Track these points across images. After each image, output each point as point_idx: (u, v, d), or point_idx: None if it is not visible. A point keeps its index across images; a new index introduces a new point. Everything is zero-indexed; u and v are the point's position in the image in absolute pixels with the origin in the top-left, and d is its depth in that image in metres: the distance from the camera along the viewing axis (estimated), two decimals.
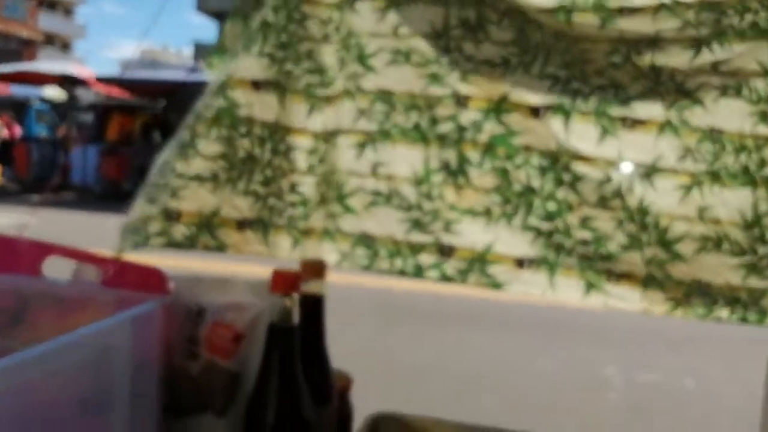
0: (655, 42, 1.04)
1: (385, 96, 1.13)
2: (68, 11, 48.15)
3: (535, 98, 1.09)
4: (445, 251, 1.12)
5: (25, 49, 31.60)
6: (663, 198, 1.06)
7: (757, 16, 1.01)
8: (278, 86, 1.12)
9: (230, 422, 0.85)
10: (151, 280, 0.87)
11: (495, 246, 1.11)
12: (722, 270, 1.08)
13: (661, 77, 1.05)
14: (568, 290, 1.11)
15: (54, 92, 14.02)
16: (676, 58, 1.04)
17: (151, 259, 0.93)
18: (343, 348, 1.06)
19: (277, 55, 1.11)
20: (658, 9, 1.01)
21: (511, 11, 1.09)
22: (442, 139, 1.12)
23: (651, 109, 1.07)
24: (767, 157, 1.04)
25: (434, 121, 1.12)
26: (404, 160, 1.13)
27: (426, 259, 1.12)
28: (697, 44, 1.03)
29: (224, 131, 1.10)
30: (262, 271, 0.85)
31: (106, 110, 13.13)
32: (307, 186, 1.14)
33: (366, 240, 1.13)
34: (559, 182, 1.09)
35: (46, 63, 17.75)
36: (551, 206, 1.10)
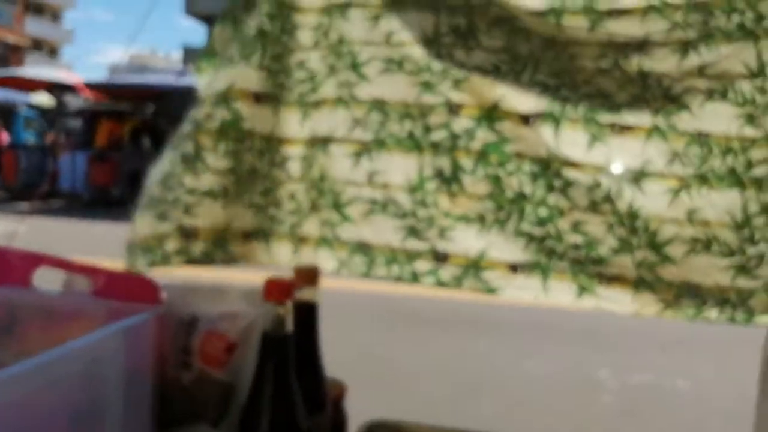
0: (643, 45, 1.04)
1: (379, 105, 1.14)
2: (56, 16, 47.94)
3: (525, 106, 1.10)
4: (440, 257, 1.13)
5: (11, 54, 31.45)
6: (652, 202, 1.07)
7: (744, 17, 1.01)
8: (273, 98, 1.14)
9: None
10: (143, 290, 0.87)
11: (489, 252, 1.12)
12: (712, 271, 1.08)
13: (648, 83, 1.06)
14: (560, 294, 1.12)
15: (42, 98, 13.95)
16: (664, 62, 1.05)
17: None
18: (338, 354, 1.06)
19: (273, 67, 1.13)
20: (646, 11, 1.02)
21: (500, 19, 1.09)
22: (435, 147, 1.13)
23: (639, 116, 1.08)
24: (754, 158, 1.05)
25: (428, 129, 1.13)
26: (399, 168, 1.14)
27: (422, 265, 1.13)
28: (685, 47, 1.04)
29: (231, 145, 1.11)
30: (255, 278, 0.85)
31: (94, 116, 13.06)
32: (299, 193, 1.15)
33: (363, 248, 1.15)
34: (550, 188, 1.10)
35: (34, 68, 17.68)
36: (543, 212, 1.11)
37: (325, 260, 1.15)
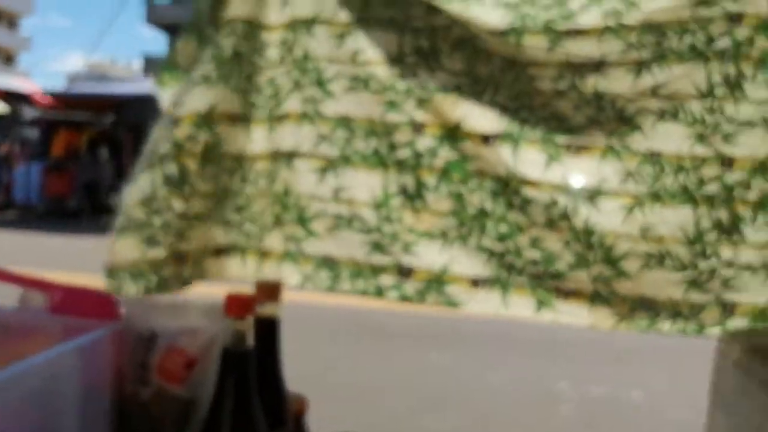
0: (599, 65, 1.07)
1: (345, 122, 1.16)
2: (12, 23, 47.01)
3: (485, 126, 1.13)
4: (405, 272, 1.15)
5: None
6: (607, 219, 1.10)
7: (695, 38, 1.05)
8: (245, 119, 1.15)
9: None
10: (101, 305, 0.86)
11: (451, 267, 1.15)
12: (665, 285, 1.12)
13: (602, 104, 1.10)
14: (520, 308, 1.15)
15: None
16: (619, 83, 1.08)
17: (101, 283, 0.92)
18: (301, 369, 1.06)
19: (246, 88, 1.14)
20: (603, 31, 1.05)
21: (462, 41, 1.12)
22: (400, 165, 1.15)
23: (593, 137, 1.11)
24: (705, 176, 1.08)
25: (393, 147, 1.15)
26: (364, 184, 1.16)
27: (386, 280, 1.16)
28: (639, 67, 1.07)
29: (214, 168, 1.12)
30: (215, 293, 0.85)
31: (51, 125, 12.81)
32: (259, 206, 1.16)
33: (328, 262, 1.17)
34: (510, 205, 1.13)
35: None
36: (503, 228, 1.14)
37: (290, 275, 1.16)
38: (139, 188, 1.11)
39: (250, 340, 0.79)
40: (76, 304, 0.86)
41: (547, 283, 1.15)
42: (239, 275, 1.16)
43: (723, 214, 1.09)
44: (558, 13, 1.07)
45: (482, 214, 1.14)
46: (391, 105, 1.14)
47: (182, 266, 1.11)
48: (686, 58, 1.06)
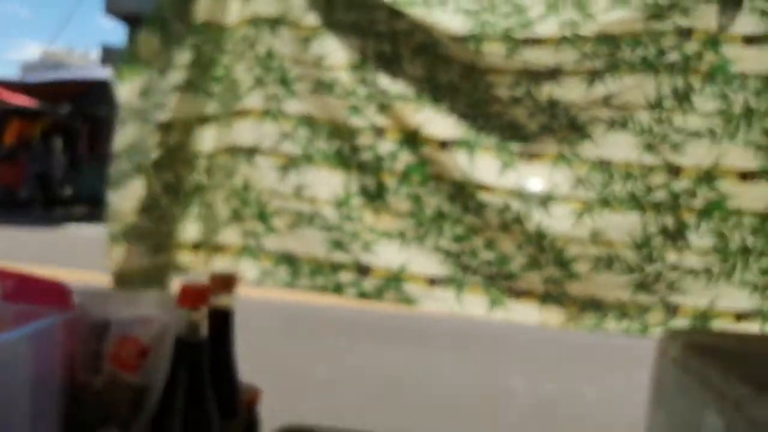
0: (554, 74, 1.11)
1: (307, 121, 1.18)
2: None
3: (443, 133, 1.16)
4: (363, 270, 1.18)
5: None
6: (558, 223, 1.14)
7: (647, 51, 1.09)
8: (204, 119, 1.17)
9: None
10: (54, 294, 0.85)
11: (409, 266, 1.18)
12: (613, 287, 1.16)
13: (556, 111, 1.14)
14: (473, 306, 1.18)
15: None
16: (572, 91, 1.12)
17: (57, 273, 0.91)
18: (256, 362, 1.07)
19: (214, 90, 1.16)
20: (559, 41, 1.09)
21: (423, 47, 1.15)
22: (362, 167, 1.18)
23: (546, 144, 1.15)
24: (653, 183, 1.12)
25: (355, 150, 1.18)
26: (326, 183, 1.18)
27: (345, 277, 1.18)
28: (592, 77, 1.11)
29: (183, 167, 1.15)
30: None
31: (4, 114, 12.47)
32: (216, 201, 1.17)
33: (288, 258, 1.18)
34: (466, 209, 1.17)
35: None
36: (459, 230, 1.17)
37: (248, 270, 1.18)
38: (132, 195, 1.11)
39: (204, 331, 0.79)
40: (29, 292, 0.85)
41: (500, 283, 1.18)
42: (197, 269, 1.17)
43: (669, 221, 1.14)
44: (517, 21, 1.10)
45: (439, 216, 1.17)
46: (354, 110, 1.17)
47: (179, 269, 1.15)
48: (638, 69, 1.10)
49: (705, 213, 1.13)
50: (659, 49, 1.10)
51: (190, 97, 1.14)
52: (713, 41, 1.09)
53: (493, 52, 1.10)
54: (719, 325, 1.14)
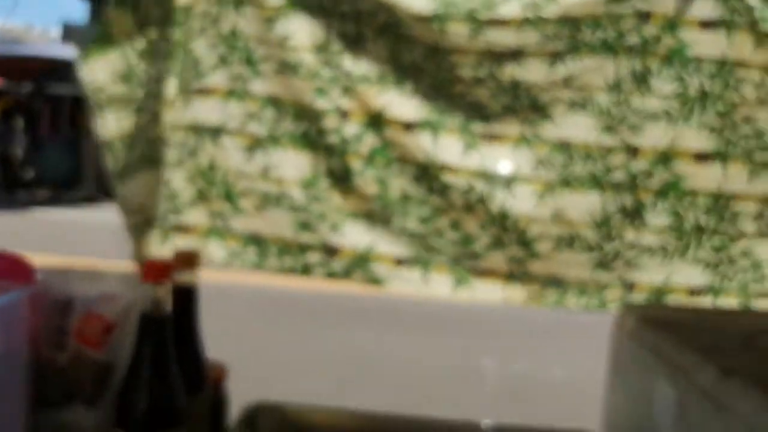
0: (517, 55, 1.13)
1: (273, 101, 1.18)
2: None
3: (407, 115, 1.17)
4: (331, 251, 1.19)
5: None
6: (521, 203, 1.17)
7: (607, 33, 1.12)
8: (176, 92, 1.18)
9: (100, 412, 0.84)
10: (16, 270, 0.85)
11: (376, 246, 1.20)
12: (574, 265, 1.19)
13: (518, 92, 1.16)
14: (439, 285, 1.21)
15: None
16: (534, 72, 1.14)
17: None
18: (225, 344, 1.07)
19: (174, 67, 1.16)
20: (522, 22, 1.10)
21: (387, 27, 1.16)
22: (328, 149, 1.19)
23: (508, 125, 1.17)
24: (612, 164, 1.15)
25: (321, 132, 1.19)
26: (293, 164, 1.19)
27: (313, 257, 1.19)
28: (554, 58, 1.13)
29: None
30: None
31: None
32: (177, 180, 1.17)
33: (256, 239, 1.19)
34: (431, 190, 1.19)
35: None
36: (424, 211, 1.19)
37: (216, 250, 1.18)
38: (147, 187, 1.13)
39: (168, 307, 0.80)
40: None
41: (465, 262, 1.21)
42: (160, 249, 1.17)
43: (627, 200, 1.17)
44: (481, 2, 1.11)
45: (405, 197, 1.19)
46: (320, 92, 1.17)
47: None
48: (597, 51, 1.13)
49: (661, 193, 1.16)
50: (619, 32, 1.12)
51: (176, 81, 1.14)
52: (671, 25, 1.11)
53: (457, 32, 1.11)
54: (674, 300, 1.18)
